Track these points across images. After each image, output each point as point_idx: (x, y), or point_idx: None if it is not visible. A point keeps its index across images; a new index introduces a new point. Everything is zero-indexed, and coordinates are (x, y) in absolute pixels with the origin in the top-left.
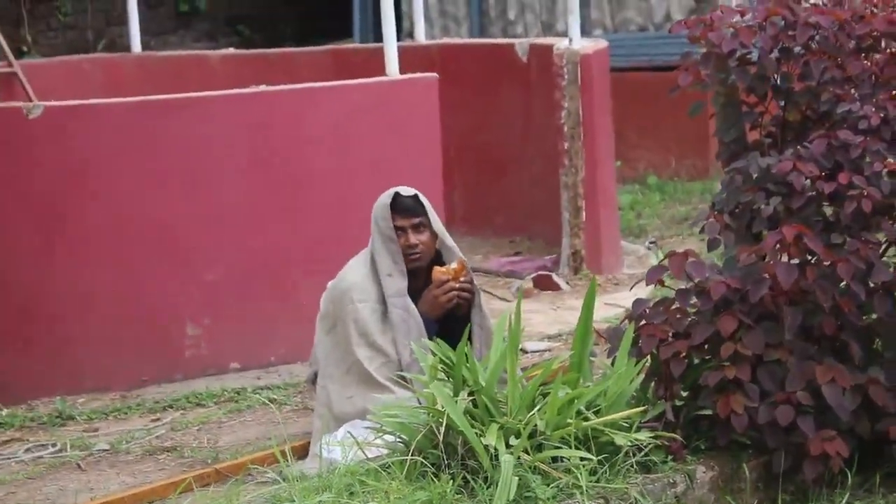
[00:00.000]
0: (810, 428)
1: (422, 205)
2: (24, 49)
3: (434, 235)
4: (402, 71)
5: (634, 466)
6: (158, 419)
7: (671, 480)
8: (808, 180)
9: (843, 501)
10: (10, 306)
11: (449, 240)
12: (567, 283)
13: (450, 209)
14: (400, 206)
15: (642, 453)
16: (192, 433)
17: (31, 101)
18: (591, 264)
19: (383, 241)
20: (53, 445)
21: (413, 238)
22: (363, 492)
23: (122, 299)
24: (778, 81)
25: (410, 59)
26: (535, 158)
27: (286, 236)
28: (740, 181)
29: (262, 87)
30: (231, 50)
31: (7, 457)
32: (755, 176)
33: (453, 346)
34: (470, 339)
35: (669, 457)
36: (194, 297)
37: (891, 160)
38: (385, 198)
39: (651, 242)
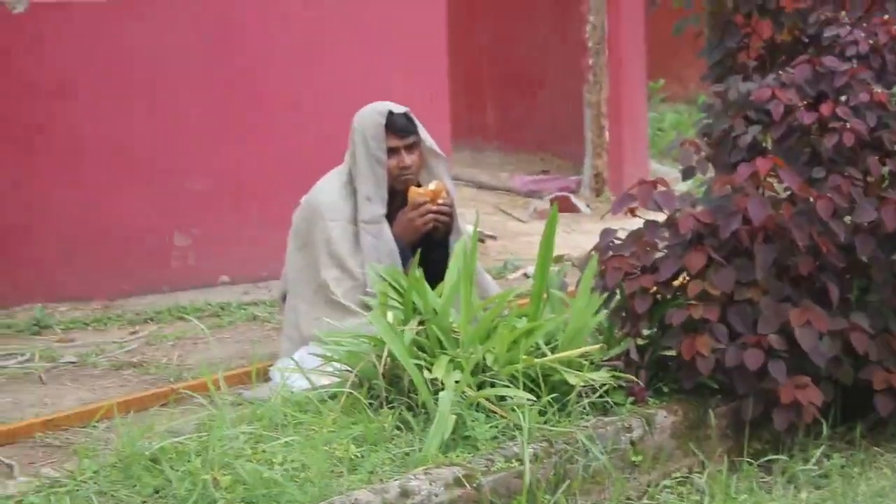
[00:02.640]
0: (782, 373)
1: (414, 122)
2: None
3: (422, 154)
4: None
5: (587, 408)
6: (136, 332)
7: (626, 424)
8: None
9: (819, 452)
10: None
11: (438, 150)
12: (588, 205)
13: (481, 124)
14: (395, 125)
15: (597, 394)
16: (165, 349)
17: None
18: (614, 186)
19: (369, 162)
20: (22, 355)
21: (407, 159)
22: (294, 424)
23: (102, 209)
24: (764, 0)
25: None
26: (566, 74)
27: (272, 152)
28: (720, 106)
29: None
30: None
31: None
32: (734, 101)
33: (432, 275)
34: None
35: (630, 399)
36: (181, 207)
37: (878, 90)
38: (378, 116)
39: None
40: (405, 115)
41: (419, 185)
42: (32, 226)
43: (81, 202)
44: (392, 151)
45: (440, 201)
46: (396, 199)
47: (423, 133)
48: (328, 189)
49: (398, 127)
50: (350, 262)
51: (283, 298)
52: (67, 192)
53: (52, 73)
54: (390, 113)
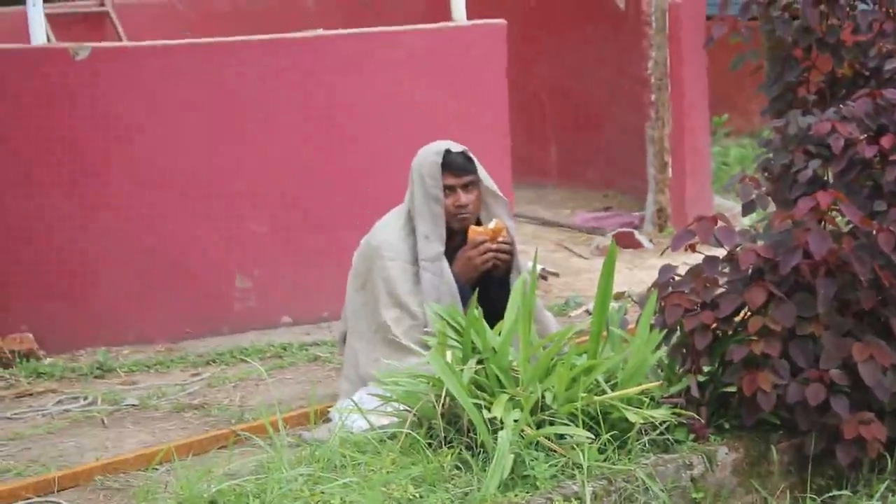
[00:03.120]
0: (844, 409)
1: (472, 162)
2: None
3: (480, 194)
4: (495, 16)
5: (647, 445)
6: (198, 374)
7: (687, 462)
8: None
9: (883, 487)
10: (53, 259)
11: (498, 192)
12: (650, 241)
13: (543, 162)
14: (452, 164)
15: (657, 432)
16: (227, 390)
17: (120, 41)
18: (677, 222)
19: (427, 200)
20: (85, 398)
21: (464, 198)
22: (352, 464)
23: (165, 252)
24: (824, 34)
25: (506, 3)
26: (628, 110)
27: (338, 192)
28: (780, 141)
29: (318, 32)
30: None
31: (36, 409)
32: (793, 136)
33: (492, 313)
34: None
35: (691, 436)
36: (243, 249)
37: None
38: (434, 155)
39: None
40: (463, 153)
41: (479, 224)
42: (96, 270)
43: (144, 246)
44: (449, 190)
45: (500, 239)
46: (455, 239)
47: (483, 173)
48: (387, 229)
49: (455, 166)
50: (409, 302)
51: (343, 339)
52: (131, 236)
53: (120, 115)
54: (447, 152)
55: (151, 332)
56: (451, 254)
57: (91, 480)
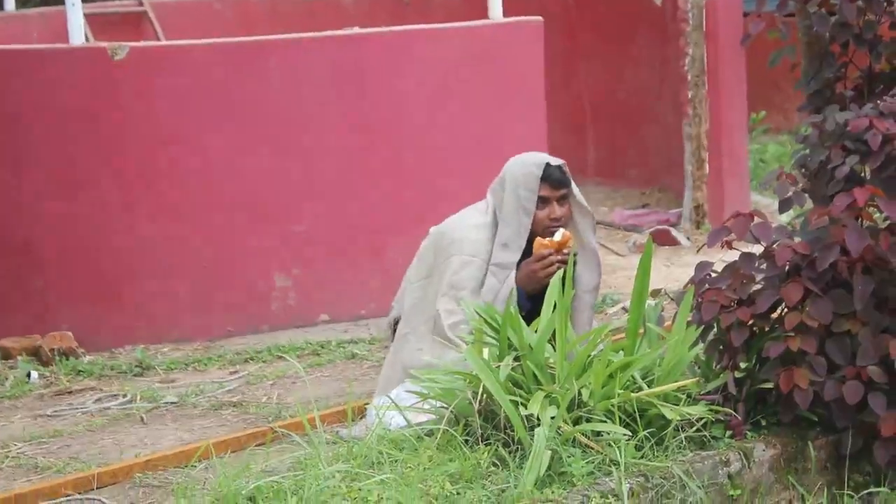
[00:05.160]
0: (881, 406)
1: (567, 176)
2: None
3: (571, 206)
4: (533, 14)
5: (684, 442)
6: (236, 371)
7: (724, 458)
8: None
9: None
10: (92, 258)
11: (586, 205)
12: (688, 238)
13: (582, 159)
14: (550, 177)
15: (694, 428)
16: (265, 388)
17: (159, 40)
18: (714, 219)
19: (517, 210)
20: (124, 396)
21: (558, 210)
22: (389, 461)
23: (204, 250)
24: (861, 30)
25: (546, 3)
26: (667, 108)
27: (376, 191)
28: (817, 137)
29: (355, 30)
30: None
31: (76, 407)
32: (831, 132)
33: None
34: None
35: (728, 433)
36: (282, 248)
37: None
38: (535, 167)
39: None
40: (560, 167)
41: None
42: (135, 269)
43: (183, 245)
44: (544, 202)
45: (565, 251)
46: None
47: (575, 188)
48: (471, 226)
49: (553, 179)
50: (469, 298)
51: (391, 324)
52: (170, 236)
53: (158, 114)
54: (547, 165)
55: (190, 330)
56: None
57: (130, 477)
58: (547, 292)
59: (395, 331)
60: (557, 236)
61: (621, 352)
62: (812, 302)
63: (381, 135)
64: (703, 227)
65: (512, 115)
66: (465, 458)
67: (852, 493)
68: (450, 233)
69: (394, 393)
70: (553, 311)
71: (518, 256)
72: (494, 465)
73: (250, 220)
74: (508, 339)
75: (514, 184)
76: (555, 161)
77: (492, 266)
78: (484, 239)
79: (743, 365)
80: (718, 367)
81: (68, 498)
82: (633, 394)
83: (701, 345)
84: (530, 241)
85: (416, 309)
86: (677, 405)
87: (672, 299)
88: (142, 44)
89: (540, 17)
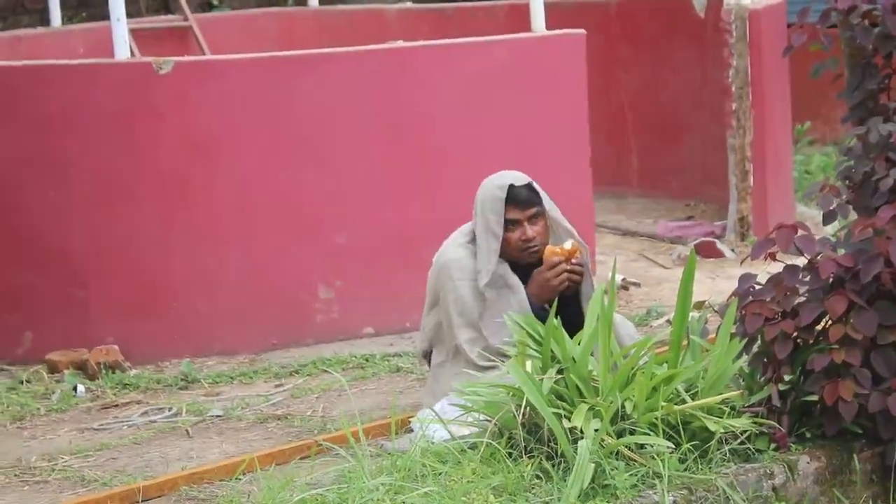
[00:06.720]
0: None
1: (537, 193)
2: (215, 2)
3: (546, 221)
4: (576, 27)
5: (727, 455)
6: (281, 384)
7: (768, 471)
8: None
9: None
10: (138, 272)
11: (566, 223)
12: (732, 250)
13: (625, 172)
14: (516, 198)
15: (738, 441)
16: (310, 401)
17: (204, 55)
18: (759, 230)
19: (486, 235)
20: (170, 409)
21: (530, 231)
22: (433, 474)
23: (248, 264)
24: None
25: (587, 14)
26: (710, 119)
27: (419, 203)
28: (861, 149)
29: (398, 43)
30: (408, 4)
31: (122, 420)
32: (874, 143)
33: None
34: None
35: (772, 446)
36: (325, 261)
37: None
38: (498, 191)
39: None
40: (527, 186)
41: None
42: (180, 283)
43: (228, 259)
44: (514, 224)
45: (574, 260)
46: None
47: (549, 203)
48: (454, 247)
49: (520, 199)
50: (478, 321)
51: (423, 354)
52: (213, 249)
53: (202, 129)
54: (511, 186)
55: (235, 343)
56: (525, 276)
57: (176, 490)
58: (586, 304)
59: (429, 360)
60: (567, 244)
61: (665, 364)
62: (856, 314)
63: (422, 147)
64: (749, 238)
65: (554, 127)
66: (508, 471)
67: None
68: (440, 259)
69: (437, 406)
70: (596, 322)
71: (490, 277)
72: (538, 477)
73: (293, 232)
74: (552, 351)
75: (482, 207)
76: (520, 181)
77: (482, 287)
78: (469, 256)
79: (787, 377)
80: (762, 379)
81: None
82: (676, 406)
83: (745, 357)
84: (514, 266)
85: (437, 336)
86: (721, 418)
87: (716, 311)
88: (186, 58)
89: (583, 30)
